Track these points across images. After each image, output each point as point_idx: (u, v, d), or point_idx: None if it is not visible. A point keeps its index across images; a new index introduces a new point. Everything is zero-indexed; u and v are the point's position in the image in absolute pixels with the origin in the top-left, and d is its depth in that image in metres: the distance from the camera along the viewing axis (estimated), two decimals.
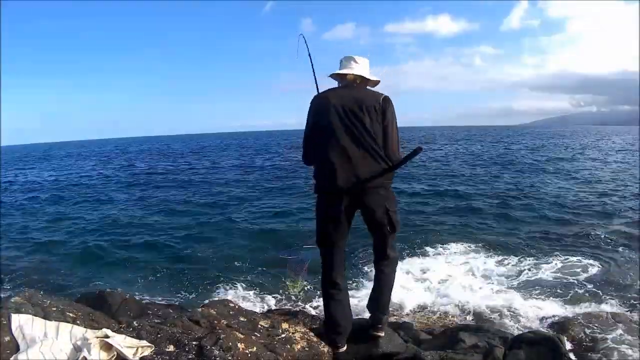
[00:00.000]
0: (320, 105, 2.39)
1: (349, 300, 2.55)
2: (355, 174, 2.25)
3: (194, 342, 2.01)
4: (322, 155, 2.34)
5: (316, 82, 2.78)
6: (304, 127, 2.49)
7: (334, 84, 2.59)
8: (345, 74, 2.47)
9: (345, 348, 2.46)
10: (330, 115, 2.31)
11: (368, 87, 2.52)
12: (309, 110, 2.44)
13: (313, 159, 2.46)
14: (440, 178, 16.93)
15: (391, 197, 2.39)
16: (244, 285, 6.65)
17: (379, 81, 2.56)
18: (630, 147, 34.04)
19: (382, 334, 2.57)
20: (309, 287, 6.01)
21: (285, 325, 2.40)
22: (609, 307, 5.29)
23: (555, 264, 6.88)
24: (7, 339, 1.84)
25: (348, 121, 2.29)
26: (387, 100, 2.38)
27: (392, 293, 2.60)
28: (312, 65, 2.85)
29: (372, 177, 2.27)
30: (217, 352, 1.94)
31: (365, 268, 6.54)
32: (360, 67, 2.47)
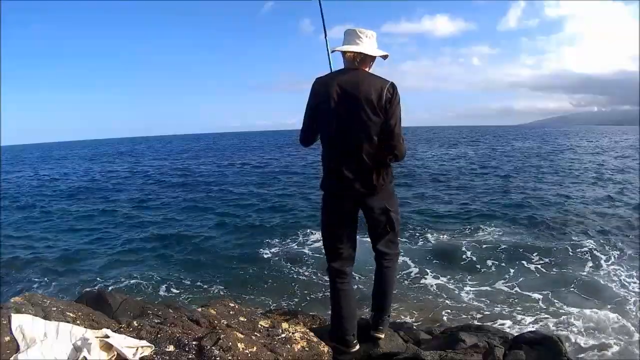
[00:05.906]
0: (319, 97, 2.22)
1: (354, 295, 2.49)
2: (356, 177, 2.22)
3: (194, 342, 2.01)
4: (326, 155, 2.31)
5: (325, 33, 2.57)
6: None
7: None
8: (345, 52, 2.23)
9: (357, 347, 2.41)
10: (330, 111, 2.18)
11: (371, 72, 2.27)
12: (309, 97, 2.27)
13: (309, 142, 2.40)
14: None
15: (391, 197, 2.38)
16: (243, 285, 6.66)
17: (386, 55, 2.28)
18: None
19: (382, 336, 2.54)
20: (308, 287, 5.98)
21: (285, 325, 2.39)
22: (609, 307, 5.29)
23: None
24: (7, 339, 1.83)
25: (347, 116, 2.16)
26: (392, 88, 2.16)
27: (394, 293, 2.58)
28: (321, 11, 2.61)
29: (372, 180, 2.24)
30: (217, 352, 1.93)
31: (367, 268, 6.55)
32: (364, 44, 2.18)
